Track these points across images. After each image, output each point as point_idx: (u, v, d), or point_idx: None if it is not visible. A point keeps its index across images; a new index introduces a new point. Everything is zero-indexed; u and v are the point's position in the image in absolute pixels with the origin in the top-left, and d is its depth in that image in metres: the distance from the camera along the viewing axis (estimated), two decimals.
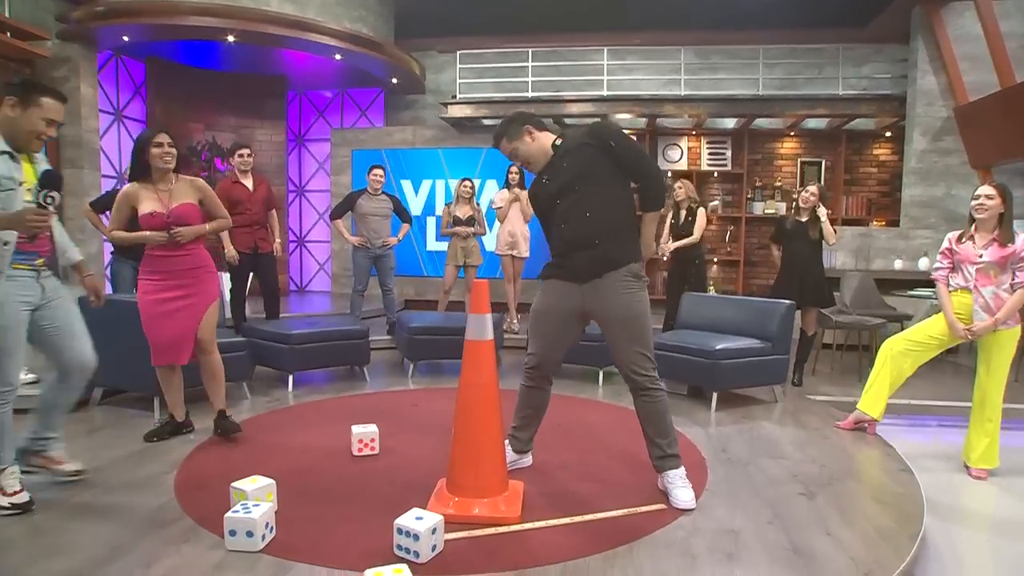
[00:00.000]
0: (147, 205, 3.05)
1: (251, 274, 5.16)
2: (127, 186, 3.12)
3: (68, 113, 6.62)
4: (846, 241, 6.95)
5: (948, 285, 3.38)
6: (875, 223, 7.90)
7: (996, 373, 3.27)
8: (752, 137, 8.21)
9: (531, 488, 2.63)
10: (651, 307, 2.59)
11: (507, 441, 2.81)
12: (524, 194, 6.05)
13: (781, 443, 3.40)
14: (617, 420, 3.71)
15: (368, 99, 9.18)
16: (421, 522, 2.08)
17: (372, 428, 3.13)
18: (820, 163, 8.22)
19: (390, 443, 3.18)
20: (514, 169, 6.02)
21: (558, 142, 2.63)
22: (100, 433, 3.39)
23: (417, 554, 2.05)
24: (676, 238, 5.55)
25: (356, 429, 3.12)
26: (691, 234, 5.48)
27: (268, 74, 8.38)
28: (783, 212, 7.71)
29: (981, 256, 3.23)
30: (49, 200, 2.23)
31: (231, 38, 6.74)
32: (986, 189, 3.23)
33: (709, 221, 8.04)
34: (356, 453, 3.08)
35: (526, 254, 6.21)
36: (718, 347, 4.01)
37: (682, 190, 5.58)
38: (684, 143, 8.42)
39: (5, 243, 2.27)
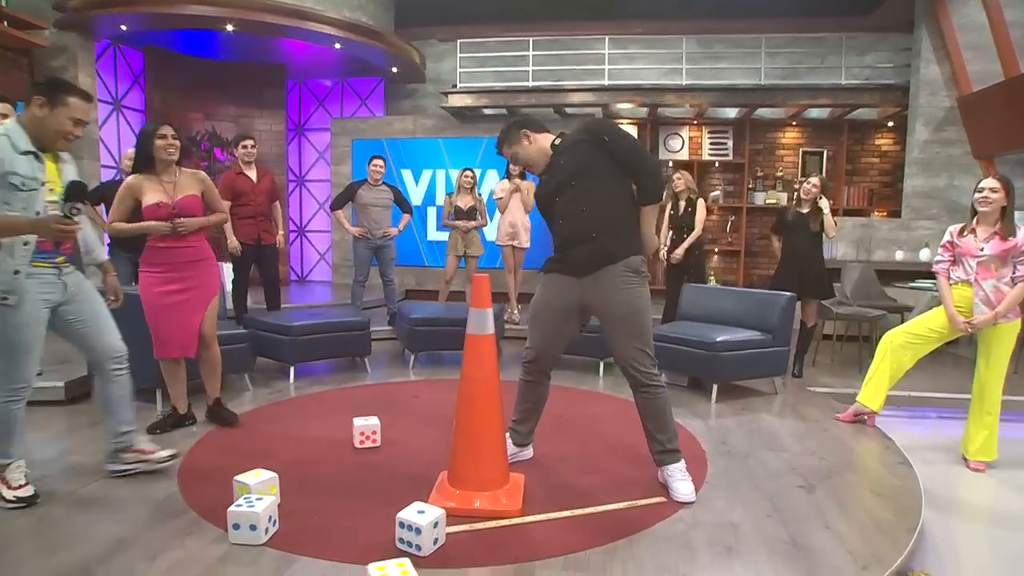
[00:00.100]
0: (152, 196, 3.08)
1: (252, 265, 5.16)
2: (130, 178, 3.14)
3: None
4: (847, 232, 6.94)
5: (949, 278, 3.38)
6: (876, 214, 7.88)
7: (995, 366, 3.27)
8: (754, 127, 8.18)
9: (532, 481, 2.65)
10: (651, 297, 2.60)
11: (507, 434, 2.83)
12: (525, 184, 6.05)
13: (781, 435, 3.42)
14: (617, 412, 3.72)
15: (368, 88, 9.13)
16: (423, 516, 2.09)
17: (374, 420, 3.15)
18: (822, 153, 8.19)
19: (391, 435, 3.19)
20: None
21: (557, 141, 2.66)
22: (102, 424, 3.39)
23: (419, 547, 2.06)
24: (675, 229, 5.54)
25: (358, 421, 3.13)
26: (691, 225, 5.47)
27: (267, 63, 8.34)
28: (784, 203, 7.71)
29: (982, 250, 3.22)
30: (74, 212, 2.24)
31: (230, 27, 6.69)
32: (990, 182, 3.22)
33: (710, 211, 8.04)
34: (358, 445, 3.09)
35: (527, 244, 6.20)
36: (718, 339, 4.02)
37: (681, 181, 5.55)
38: (685, 133, 8.39)
39: (25, 243, 2.29)
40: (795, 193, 4.82)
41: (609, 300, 2.52)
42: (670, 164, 8.27)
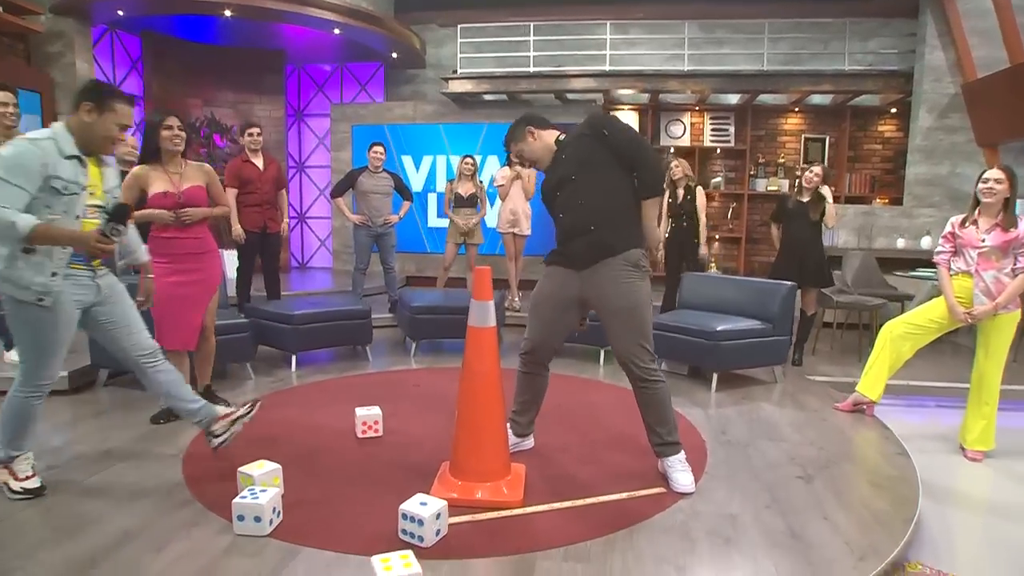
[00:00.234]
0: (158, 185, 3.12)
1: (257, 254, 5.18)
2: (136, 168, 3.19)
3: (64, 90, 6.58)
4: (848, 219, 6.93)
5: (949, 269, 3.38)
6: (878, 201, 7.86)
7: (995, 356, 3.29)
8: (756, 113, 8.13)
9: (533, 471, 2.67)
10: (651, 283, 2.61)
11: (508, 425, 2.85)
12: (526, 171, 6.02)
13: (780, 425, 3.44)
14: (618, 401, 3.74)
15: (368, 73, 9.06)
16: (425, 508, 2.12)
17: (376, 411, 3.17)
18: (824, 140, 8.15)
19: (393, 424, 3.21)
20: None
21: (561, 137, 2.68)
22: (107, 415, 3.43)
23: (421, 539, 2.09)
24: (674, 217, 5.52)
25: (360, 412, 3.15)
26: (690, 213, 5.46)
27: (266, 48, 8.27)
28: (786, 190, 7.68)
29: (983, 241, 3.22)
30: (115, 232, 2.29)
31: (228, 12, 6.63)
32: (995, 173, 3.20)
33: (710, 198, 8.03)
34: (360, 435, 3.12)
35: (528, 232, 6.19)
36: (719, 328, 4.03)
37: (679, 168, 5.53)
38: (687, 119, 8.34)
39: (64, 247, 2.32)
40: (796, 180, 4.81)
41: (607, 294, 2.53)
42: (671, 151, 8.24)
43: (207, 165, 3.34)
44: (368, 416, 3.14)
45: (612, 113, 8.25)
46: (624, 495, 2.51)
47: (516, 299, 6.23)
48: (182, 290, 3.15)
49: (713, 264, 8.05)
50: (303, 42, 7.99)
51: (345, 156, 8.54)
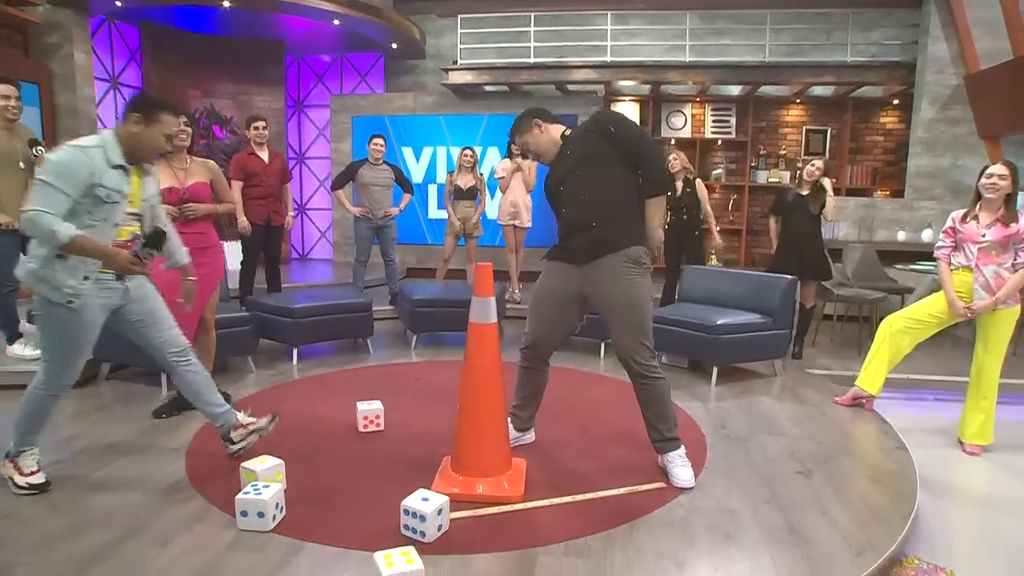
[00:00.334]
0: (164, 181, 3.14)
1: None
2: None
3: (63, 81, 6.55)
4: (849, 212, 6.92)
5: (950, 264, 3.38)
6: (879, 193, 7.85)
7: (994, 351, 3.30)
8: (757, 104, 8.11)
9: (533, 466, 2.69)
10: (650, 276, 2.62)
11: (509, 419, 2.86)
12: (526, 164, 6.01)
13: (780, 419, 3.46)
14: (618, 395, 3.75)
15: (368, 64, 9.02)
16: (427, 503, 2.13)
17: (377, 405, 3.18)
18: (825, 131, 8.13)
19: (395, 418, 3.23)
20: None
21: (567, 132, 2.69)
22: (109, 409, 3.44)
23: (424, 534, 2.11)
24: (674, 210, 5.51)
25: (361, 406, 3.17)
26: (691, 205, 5.44)
27: (265, 38, 8.22)
28: (787, 181, 7.67)
29: (984, 236, 3.22)
30: (148, 256, 2.38)
31: (226, 3, 6.59)
32: (999, 168, 3.19)
33: (711, 190, 8.02)
34: (362, 429, 3.13)
35: (528, 224, 6.18)
36: (719, 322, 4.04)
37: (677, 161, 5.50)
38: (688, 110, 8.31)
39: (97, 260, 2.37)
40: (798, 172, 4.79)
41: (608, 290, 2.53)
42: (671, 142, 8.22)
43: (212, 162, 3.39)
44: (369, 410, 3.16)
45: (613, 104, 8.23)
46: (624, 490, 2.53)
47: (517, 291, 6.24)
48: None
49: (714, 256, 8.04)
50: (303, 32, 7.94)
51: (345, 147, 8.52)
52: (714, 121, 8.30)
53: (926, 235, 6.54)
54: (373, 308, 4.85)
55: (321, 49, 8.89)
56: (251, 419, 2.74)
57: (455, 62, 7.90)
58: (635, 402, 2.67)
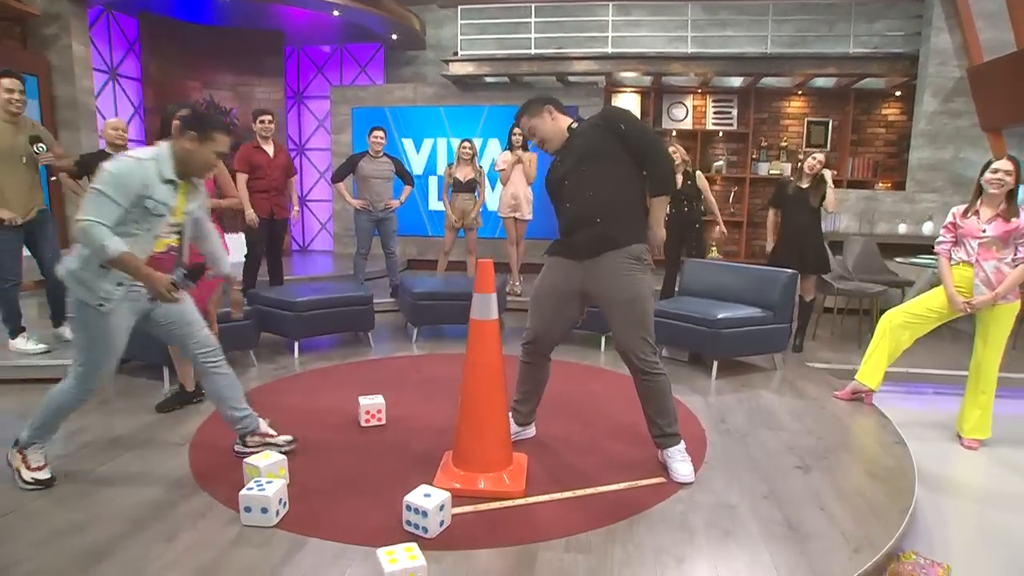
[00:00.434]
0: None
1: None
2: None
3: (61, 73, 6.53)
4: (850, 204, 6.90)
5: (950, 259, 3.38)
6: (881, 185, 7.83)
7: (993, 346, 3.31)
8: (759, 95, 8.07)
9: (534, 461, 2.71)
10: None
11: (510, 414, 2.87)
12: (527, 156, 6.00)
13: (779, 413, 3.47)
14: (618, 388, 3.77)
15: (368, 55, 8.98)
16: (429, 499, 2.15)
17: (379, 399, 3.20)
18: (827, 123, 8.10)
19: (396, 413, 3.25)
20: (517, 130, 5.95)
21: (574, 125, 2.68)
22: (112, 403, 3.46)
23: (426, 530, 2.13)
24: (674, 202, 5.48)
25: (363, 401, 3.18)
26: (691, 197, 5.43)
27: (265, 29, 8.18)
28: (788, 173, 7.64)
29: (984, 231, 3.23)
30: (186, 287, 2.46)
31: None
32: (1005, 164, 3.18)
33: (712, 182, 8.00)
34: (364, 424, 3.15)
35: (529, 216, 6.19)
36: (720, 316, 4.05)
37: (676, 154, 5.49)
38: (689, 101, 8.28)
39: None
40: (799, 164, 4.78)
41: (609, 286, 2.54)
42: (673, 134, 8.20)
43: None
44: (371, 405, 3.17)
45: (614, 95, 8.20)
46: (624, 485, 2.55)
47: (517, 284, 6.25)
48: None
49: (714, 248, 8.05)
50: (302, 23, 7.90)
51: (345, 139, 8.50)
52: (715, 113, 8.26)
53: (927, 228, 6.53)
54: (374, 301, 4.86)
55: (321, 40, 8.84)
56: (272, 431, 2.77)
57: (455, 53, 7.86)
58: (635, 396, 2.68)
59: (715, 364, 4.15)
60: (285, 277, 5.62)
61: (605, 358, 4.55)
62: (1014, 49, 5.86)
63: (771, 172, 8.03)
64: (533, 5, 7.74)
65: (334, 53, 9.08)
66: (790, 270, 4.34)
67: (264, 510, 2.17)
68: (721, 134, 8.28)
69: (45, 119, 6.32)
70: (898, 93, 7.77)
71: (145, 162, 2.31)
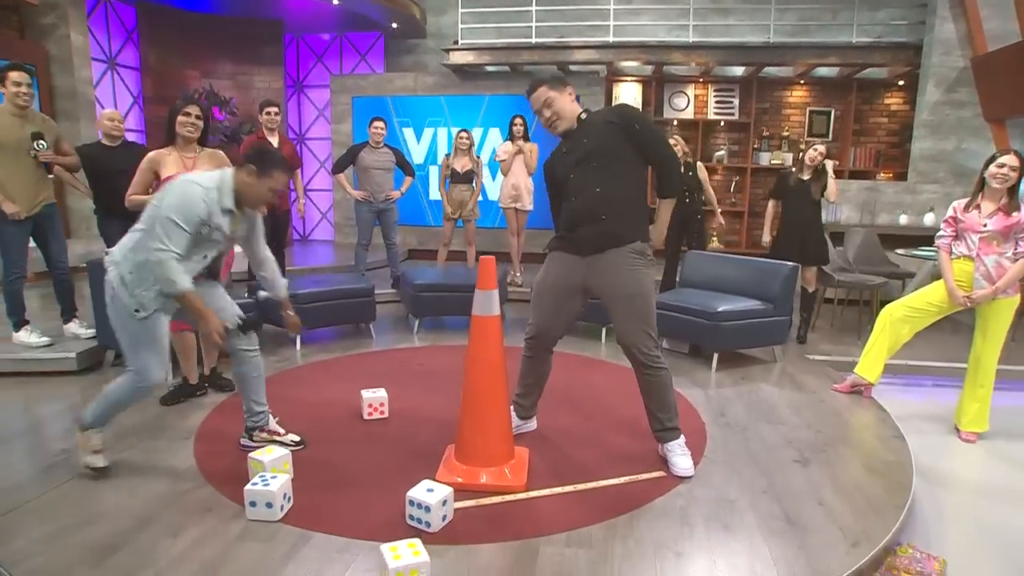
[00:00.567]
0: (171, 168, 3.19)
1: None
2: (152, 152, 3.26)
3: (60, 63, 6.49)
4: (852, 195, 6.89)
5: (951, 253, 3.39)
6: (882, 175, 7.81)
7: (992, 340, 3.32)
8: (760, 85, 8.03)
9: (535, 455, 2.74)
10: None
11: (511, 407, 2.89)
12: (528, 146, 5.98)
13: (778, 407, 3.49)
14: (619, 381, 3.79)
15: (368, 43, 8.92)
16: (432, 494, 2.18)
17: (381, 393, 3.22)
18: (829, 113, 8.07)
19: (399, 406, 3.27)
20: (518, 120, 5.94)
21: (583, 115, 2.65)
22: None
23: (428, 524, 2.16)
24: None
25: (366, 394, 3.20)
26: (691, 188, 5.43)
27: (264, 17, 8.12)
28: (790, 163, 7.62)
29: (985, 225, 3.23)
30: (237, 336, 2.61)
31: None
32: (1011, 159, 3.17)
33: (712, 171, 7.98)
34: (366, 417, 3.18)
35: (530, 207, 6.17)
36: (720, 308, 4.06)
37: (677, 147, 5.48)
38: (691, 91, 8.24)
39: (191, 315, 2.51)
40: (800, 155, 4.77)
41: (612, 282, 2.55)
42: (674, 123, 8.17)
43: (220, 152, 3.40)
44: (374, 398, 3.20)
45: (615, 85, 8.16)
46: (625, 479, 2.57)
47: (518, 274, 6.26)
48: None
49: (715, 238, 8.04)
50: (301, 11, 7.85)
51: (345, 128, 8.47)
52: (717, 102, 8.23)
53: (928, 219, 6.52)
54: (375, 291, 4.87)
55: (320, 28, 8.79)
56: (280, 429, 2.82)
57: (456, 42, 7.81)
58: (635, 390, 2.70)
59: (715, 356, 4.17)
60: (288, 268, 5.63)
61: (606, 350, 4.56)
62: (1019, 39, 5.83)
63: (772, 162, 8.01)
64: None
65: (334, 41, 9.02)
66: (791, 263, 4.34)
67: (269, 504, 2.20)
68: (723, 124, 8.25)
69: (44, 109, 6.28)
70: (901, 83, 7.73)
71: (211, 191, 2.40)
